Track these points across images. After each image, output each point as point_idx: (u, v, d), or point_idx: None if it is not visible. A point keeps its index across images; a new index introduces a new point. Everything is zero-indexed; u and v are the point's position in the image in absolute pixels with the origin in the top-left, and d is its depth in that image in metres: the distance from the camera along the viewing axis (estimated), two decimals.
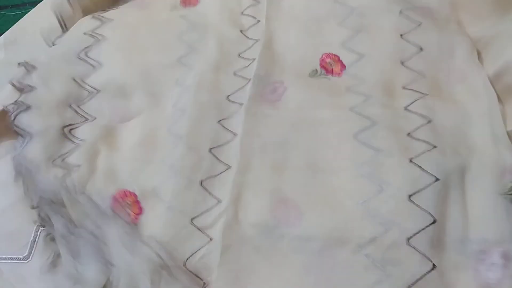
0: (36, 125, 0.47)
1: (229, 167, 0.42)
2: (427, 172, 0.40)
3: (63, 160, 0.45)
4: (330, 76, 0.48)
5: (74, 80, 0.51)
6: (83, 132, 0.47)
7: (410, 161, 0.40)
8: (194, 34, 0.54)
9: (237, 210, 0.40)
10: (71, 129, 0.47)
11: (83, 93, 0.50)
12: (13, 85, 0.50)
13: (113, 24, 0.55)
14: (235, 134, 0.45)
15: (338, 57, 0.50)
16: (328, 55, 0.50)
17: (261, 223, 0.39)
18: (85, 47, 0.53)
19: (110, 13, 0.57)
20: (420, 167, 0.40)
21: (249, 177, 0.41)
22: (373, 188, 0.40)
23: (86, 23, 0.56)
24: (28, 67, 0.52)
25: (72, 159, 0.45)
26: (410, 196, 0.39)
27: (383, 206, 0.39)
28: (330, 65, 0.49)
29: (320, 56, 0.50)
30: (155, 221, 0.41)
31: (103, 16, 0.57)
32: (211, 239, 0.39)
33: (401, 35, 0.50)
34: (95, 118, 0.49)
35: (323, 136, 0.43)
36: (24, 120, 0.47)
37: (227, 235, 0.39)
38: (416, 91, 0.46)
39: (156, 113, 0.48)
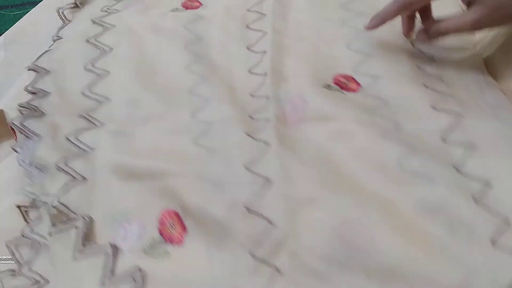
0: (47, 131, 0.44)
1: (270, 181, 0.38)
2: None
3: (66, 164, 0.42)
4: (344, 91, 0.45)
5: (83, 93, 0.48)
6: (89, 137, 0.44)
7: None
8: (200, 47, 0.51)
9: (298, 236, 0.35)
10: (77, 135, 0.44)
11: (92, 102, 0.47)
12: (26, 89, 0.48)
13: (116, 30, 0.53)
14: (268, 144, 0.40)
15: (353, 77, 0.46)
16: (342, 75, 0.46)
17: (328, 250, 0.34)
18: (92, 58, 0.51)
19: (111, 18, 0.55)
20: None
21: (298, 195, 0.36)
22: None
23: (87, 28, 0.54)
24: (40, 70, 0.49)
25: (76, 165, 0.42)
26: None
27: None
28: (345, 84, 0.45)
29: (334, 76, 0.46)
30: (203, 246, 0.36)
31: (104, 22, 0.55)
32: (278, 271, 0.33)
33: (417, 66, 0.47)
34: (104, 124, 0.45)
35: (365, 158, 0.38)
36: (36, 125, 0.45)
37: (294, 266, 0.33)
38: (447, 111, 0.41)
39: (172, 120, 0.45)
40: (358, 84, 0.45)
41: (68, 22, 0.57)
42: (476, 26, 0.41)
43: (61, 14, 0.58)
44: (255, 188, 0.38)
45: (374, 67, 0.46)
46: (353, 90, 0.45)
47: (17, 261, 0.39)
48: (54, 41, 0.55)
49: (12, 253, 0.39)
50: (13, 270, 0.39)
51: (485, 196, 0.35)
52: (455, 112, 0.41)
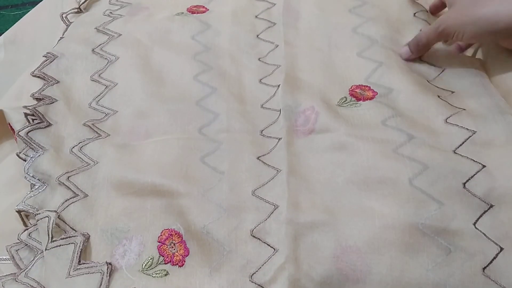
0: (52, 143, 0.44)
1: (276, 206, 0.37)
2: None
3: (68, 179, 0.41)
4: (361, 102, 0.43)
5: (90, 104, 0.47)
6: (94, 149, 0.43)
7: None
8: (209, 57, 0.50)
9: (298, 262, 0.35)
10: (82, 147, 0.44)
11: (99, 113, 0.46)
12: (33, 96, 0.47)
13: (122, 40, 0.52)
14: (278, 170, 0.40)
15: (369, 87, 0.44)
16: (358, 86, 0.45)
17: (325, 276, 0.34)
18: (98, 69, 0.50)
19: (115, 25, 0.54)
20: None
21: (302, 220, 0.36)
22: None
23: (92, 37, 0.53)
24: (48, 79, 0.49)
25: (78, 180, 0.41)
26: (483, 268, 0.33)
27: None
28: (361, 94, 0.44)
29: (349, 88, 0.45)
30: (204, 268, 0.36)
31: (108, 29, 0.54)
32: None
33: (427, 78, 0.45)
34: (109, 135, 0.44)
35: (374, 178, 0.37)
36: (41, 138, 0.44)
37: None
38: (461, 127, 0.39)
39: (179, 135, 0.43)
40: (374, 92, 0.44)
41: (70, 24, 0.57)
42: (448, 26, 0.42)
43: (64, 19, 0.57)
44: (260, 214, 0.38)
45: (387, 77, 0.45)
46: (370, 98, 0.43)
47: (17, 265, 0.39)
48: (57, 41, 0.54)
49: (12, 257, 0.39)
50: (14, 274, 0.39)
51: (488, 220, 0.35)
52: (468, 128, 0.39)
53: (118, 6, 0.58)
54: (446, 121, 0.40)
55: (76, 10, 0.58)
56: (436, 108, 0.41)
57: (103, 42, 0.52)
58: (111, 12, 0.57)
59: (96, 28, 0.54)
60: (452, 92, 0.43)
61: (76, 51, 0.52)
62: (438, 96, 0.42)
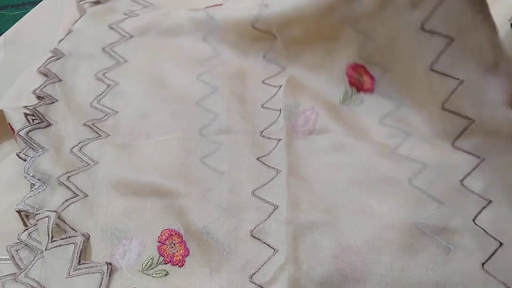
0: (52, 143, 0.44)
1: (276, 207, 0.38)
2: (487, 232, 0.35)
3: (68, 179, 0.41)
4: (362, 94, 0.43)
5: (91, 103, 0.47)
6: (94, 149, 0.43)
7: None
8: (217, 62, 0.49)
9: (298, 262, 0.35)
10: (82, 147, 0.44)
11: (99, 113, 0.46)
12: (34, 92, 0.47)
13: (133, 43, 0.52)
14: (278, 171, 0.40)
15: (364, 67, 0.43)
16: (354, 66, 0.43)
17: (325, 276, 0.34)
18: (104, 68, 0.49)
19: (128, 25, 0.53)
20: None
21: (302, 220, 0.36)
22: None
23: (104, 34, 0.52)
24: (51, 76, 0.49)
25: (78, 180, 0.41)
26: (483, 264, 0.34)
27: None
28: (359, 80, 0.43)
29: (346, 70, 0.44)
30: (204, 269, 0.36)
31: (121, 28, 0.53)
32: None
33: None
34: (109, 135, 0.44)
35: (373, 178, 0.37)
36: (41, 137, 0.44)
37: None
38: (459, 114, 0.38)
39: (179, 135, 0.44)
40: (372, 77, 0.43)
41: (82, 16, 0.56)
42: None
43: (79, 7, 0.56)
44: (260, 214, 0.38)
45: (382, 58, 0.42)
46: (370, 90, 0.43)
47: (17, 265, 0.39)
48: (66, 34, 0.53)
49: (12, 257, 0.39)
50: (14, 274, 0.39)
51: (485, 217, 0.35)
52: (466, 116, 0.38)
53: (140, 5, 0.57)
54: (443, 107, 0.38)
55: (93, 1, 0.57)
56: (433, 98, 0.39)
57: (114, 41, 0.52)
58: (130, 11, 0.56)
59: (109, 25, 0.54)
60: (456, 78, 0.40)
61: (85, 49, 0.51)
62: (435, 84, 0.40)
